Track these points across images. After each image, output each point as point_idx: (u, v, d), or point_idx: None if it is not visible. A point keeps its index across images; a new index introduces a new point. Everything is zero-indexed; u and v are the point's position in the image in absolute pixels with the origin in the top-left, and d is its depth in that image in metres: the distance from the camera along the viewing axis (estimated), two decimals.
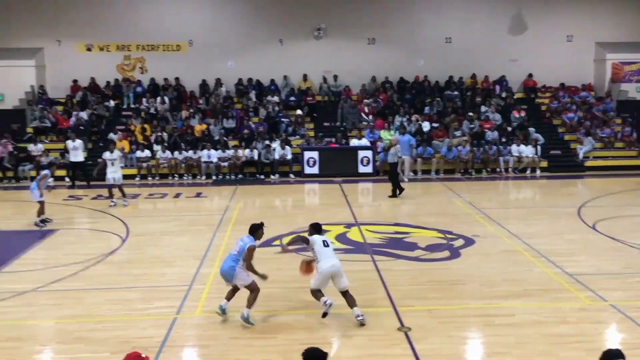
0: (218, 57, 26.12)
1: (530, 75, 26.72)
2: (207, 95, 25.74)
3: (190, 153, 22.05)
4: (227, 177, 21.83)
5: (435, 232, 13.80)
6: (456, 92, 25.90)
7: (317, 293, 8.97)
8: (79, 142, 20.65)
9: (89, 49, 26.05)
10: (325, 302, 8.84)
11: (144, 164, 21.82)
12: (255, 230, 9.02)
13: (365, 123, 24.15)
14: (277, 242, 12.65)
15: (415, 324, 8.63)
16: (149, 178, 21.73)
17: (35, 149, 22.02)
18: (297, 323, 8.81)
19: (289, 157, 22.05)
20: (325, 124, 24.69)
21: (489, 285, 10.29)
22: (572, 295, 9.80)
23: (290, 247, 9.45)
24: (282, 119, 24.27)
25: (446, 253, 12.26)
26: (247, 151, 22.19)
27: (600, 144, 23.54)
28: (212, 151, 22.00)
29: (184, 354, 8.20)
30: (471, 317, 9.00)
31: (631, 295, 9.81)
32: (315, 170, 21.87)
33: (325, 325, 8.78)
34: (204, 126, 23.58)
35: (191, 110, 24.41)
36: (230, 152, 22.14)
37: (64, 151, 21.35)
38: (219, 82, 26.12)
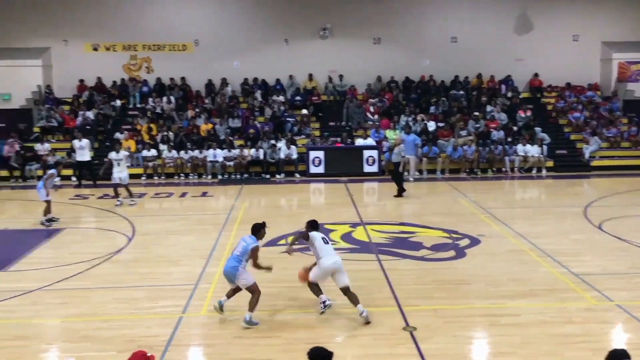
0: (224, 56, 26.17)
1: (536, 75, 26.66)
2: (213, 94, 25.79)
3: (196, 152, 22.10)
4: (233, 176, 21.86)
5: (441, 232, 13.79)
6: (462, 92, 25.86)
7: (315, 287, 9.04)
8: (85, 142, 20.72)
9: (95, 49, 26.15)
10: (324, 302, 8.94)
11: (150, 164, 21.88)
12: (258, 230, 9.05)
13: (370, 122, 24.14)
14: (282, 242, 12.67)
15: (421, 323, 8.63)
16: (155, 177, 21.80)
17: (42, 148, 22.11)
18: (302, 322, 8.82)
19: (295, 156, 22.06)
20: (331, 123, 24.69)
21: (494, 285, 10.28)
22: (578, 295, 9.78)
23: (295, 247, 9.45)
24: (288, 119, 24.29)
25: (452, 253, 12.25)
26: (252, 151, 22.23)
27: (606, 143, 23.46)
28: (218, 151, 22.04)
29: (190, 352, 8.22)
30: (477, 317, 8.99)
31: (637, 295, 9.79)
32: (320, 169, 21.88)
33: (331, 324, 8.79)
34: (210, 126, 23.62)
35: (197, 110, 24.46)
36: (235, 152, 22.17)
37: (71, 150, 21.43)
38: (224, 82, 26.16)
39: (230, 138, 22.92)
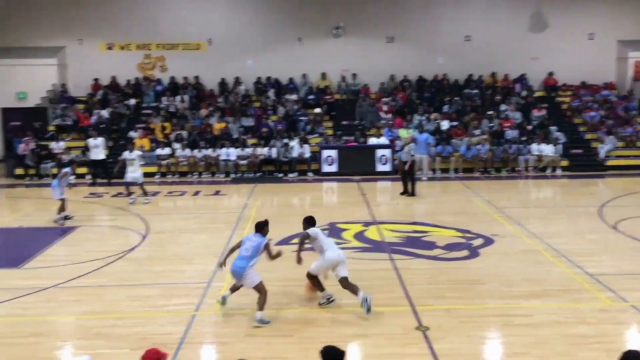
0: (237, 55, 26.23)
1: (550, 74, 26.47)
2: (226, 93, 25.85)
3: (209, 151, 22.18)
4: (246, 175, 21.91)
5: (454, 231, 13.73)
6: (476, 91, 25.74)
7: (315, 280, 9.07)
8: (100, 140, 20.86)
9: (110, 48, 26.31)
10: (328, 298, 9.09)
11: (164, 162, 21.99)
12: (262, 227, 9.08)
13: (383, 121, 24.10)
14: (295, 240, 12.63)
15: (434, 323, 8.60)
16: (169, 176, 21.90)
17: (57, 146, 22.30)
18: (314, 321, 8.82)
19: (307, 155, 22.07)
20: (344, 122, 24.66)
21: (508, 285, 10.22)
22: (592, 295, 9.70)
23: (301, 250, 9.31)
24: (301, 118, 24.30)
25: (465, 252, 12.19)
26: (265, 149, 22.26)
27: (622, 143, 23.23)
28: (231, 149, 22.09)
29: (203, 350, 8.25)
30: (490, 317, 8.94)
31: None
32: (333, 168, 21.88)
33: (343, 323, 8.78)
34: (223, 124, 23.69)
35: (210, 109, 24.54)
36: (248, 151, 22.22)
37: (85, 149, 21.59)
38: (237, 81, 26.23)
39: (243, 137, 22.97)
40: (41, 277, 10.88)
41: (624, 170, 21.92)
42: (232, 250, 9.29)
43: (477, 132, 23.00)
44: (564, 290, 9.95)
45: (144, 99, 25.75)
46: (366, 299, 8.81)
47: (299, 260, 9.14)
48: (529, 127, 23.50)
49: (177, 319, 8.93)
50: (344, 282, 9.04)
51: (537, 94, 26.12)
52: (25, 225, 15.21)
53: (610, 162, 22.56)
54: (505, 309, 9.21)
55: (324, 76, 26.51)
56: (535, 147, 22.22)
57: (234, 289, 9.09)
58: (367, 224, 14.47)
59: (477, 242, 12.86)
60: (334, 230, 13.81)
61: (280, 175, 21.90)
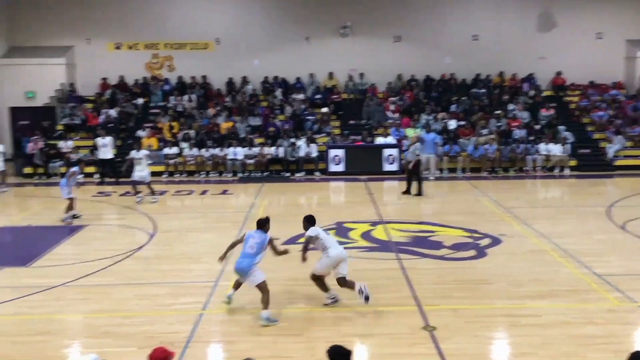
0: (244, 55, 26.26)
1: (559, 73, 26.36)
2: (233, 93, 25.89)
3: (216, 150, 22.22)
4: (253, 174, 21.94)
5: (461, 231, 13.70)
6: (483, 90, 25.67)
7: (321, 283, 9.13)
8: (108, 139, 20.94)
9: (118, 48, 26.41)
10: (333, 298, 9.14)
11: (172, 161, 22.04)
12: (263, 224, 9.16)
13: (391, 121, 24.08)
14: (302, 240, 12.63)
15: (441, 323, 8.59)
16: (176, 175, 21.95)
17: (65, 145, 22.40)
18: (321, 320, 8.84)
19: (315, 154, 22.08)
20: (351, 121, 24.65)
21: (515, 285, 10.19)
22: (600, 296, 9.66)
23: (307, 252, 9.28)
24: (308, 117, 24.31)
25: (472, 252, 12.17)
26: (272, 149, 22.29)
27: (630, 142, 23.12)
28: (238, 149, 22.13)
29: (210, 349, 8.28)
30: (497, 317, 8.93)
31: None
32: (340, 168, 21.87)
33: (350, 322, 8.79)
34: (230, 124, 23.73)
35: (218, 108, 24.59)
36: (256, 150, 22.25)
37: (94, 148, 21.67)
38: (245, 80, 26.27)
39: (251, 136, 23.00)
40: (49, 276, 10.94)
41: (633, 170, 21.80)
42: (233, 245, 9.29)
43: (484, 131, 22.94)
44: (572, 290, 9.91)
45: (151, 99, 25.82)
46: (361, 290, 8.93)
47: (304, 259, 9.16)
48: (537, 127, 23.42)
49: (185, 317, 8.96)
50: (342, 281, 9.12)
51: (545, 94, 26.02)
52: (33, 224, 15.29)
53: (618, 162, 22.45)
54: (513, 309, 9.19)
55: (331, 76, 26.51)
56: (543, 147, 22.15)
57: (237, 285, 9.13)
58: (374, 224, 14.47)
59: (485, 242, 12.83)
60: (341, 230, 13.82)
61: (288, 174, 21.92)
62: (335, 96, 25.68)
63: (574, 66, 25.98)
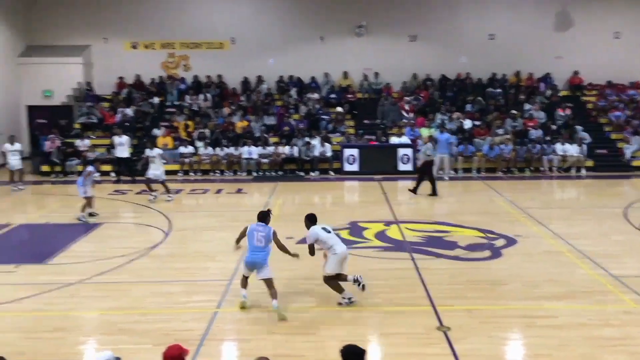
0: (259, 54, 26.33)
1: (576, 73, 26.15)
2: (248, 92, 25.97)
3: (231, 149, 22.29)
4: (268, 173, 21.99)
5: (476, 231, 13.64)
6: (499, 90, 25.53)
7: (335, 283, 9.19)
8: (125, 138, 21.07)
9: (134, 47, 26.59)
10: (349, 298, 9.16)
11: (187, 160, 22.15)
12: (265, 217, 9.27)
13: (405, 121, 24.02)
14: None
15: (455, 323, 8.56)
16: (191, 174, 22.05)
17: (82, 144, 22.58)
18: (335, 319, 8.84)
19: (329, 154, 22.08)
20: (366, 121, 24.62)
21: (530, 285, 10.13)
22: (616, 297, 9.58)
23: (313, 249, 9.45)
24: (323, 116, 24.32)
25: (487, 253, 12.11)
26: (287, 148, 22.32)
27: None
28: (253, 148, 22.18)
29: (224, 347, 8.31)
30: (512, 318, 8.87)
31: None
32: (355, 167, 21.85)
33: (364, 322, 8.79)
34: (245, 123, 23.79)
35: (233, 107, 24.67)
36: (270, 149, 22.30)
37: (110, 146, 21.83)
38: (260, 79, 26.33)
39: (265, 135, 23.05)
40: (66, 273, 11.05)
41: None
42: (241, 237, 9.41)
43: (500, 131, 22.81)
44: (588, 291, 9.84)
45: (167, 98, 25.96)
46: (355, 278, 9.20)
47: (312, 254, 9.39)
48: (554, 127, 23.25)
49: (199, 315, 9.00)
50: (339, 277, 9.28)
51: (561, 94, 25.83)
52: (51, 221, 15.44)
53: (635, 163, 22.22)
54: (528, 310, 9.13)
55: (346, 75, 26.50)
56: (559, 147, 21.97)
57: (245, 284, 9.18)
58: (388, 223, 14.44)
59: (500, 242, 12.76)
60: (355, 229, 13.82)
61: (302, 173, 21.94)
62: (350, 95, 25.67)
63: (591, 66, 25.76)
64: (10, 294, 9.96)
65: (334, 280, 9.26)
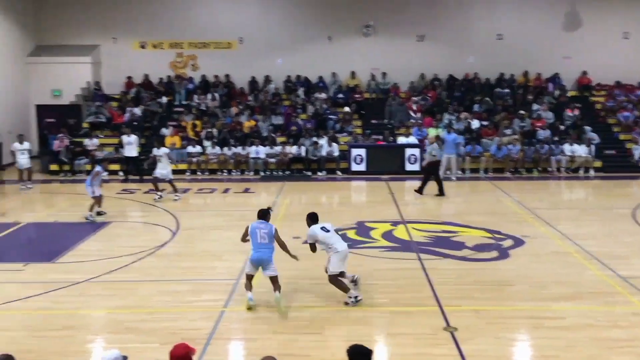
0: (267, 54, 26.35)
1: (584, 73, 26.03)
2: (256, 92, 26.00)
3: (239, 149, 22.32)
4: (275, 173, 22.01)
5: (484, 232, 13.61)
6: (507, 90, 25.45)
7: (340, 281, 9.25)
8: (133, 137, 21.13)
9: (143, 47, 26.67)
10: (356, 297, 9.17)
11: (194, 159, 22.20)
12: (265, 215, 9.41)
13: (413, 121, 23.98)
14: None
15: (462, 324, 8.54)
16: (199, 173, 22.10)
17: (90, 143, 22.66)
18: (341, 319, 8.84)
19: (336, 154, 22.08)
20: (373, 121, 24.60)
21: (538, 286, 10.09)
22: (625, 299, 9.54)
23: (314, 247, 9.56)
24: (330, 116, 24.32)
25: (494, 253, 12.08)
26: (294, 148, 22.33)
27: None
28: (260, 147, 22.21)
29: (231, 346, 8.33)
30: (520, 319, 8.85)
31: None
32: (362, 167, 21.84)
33: (371, 322, 8.79)
34: (253, 123, 23.82)
35: (240, 107, 24.70)
36: (278, 149, 22.32)
37: (119, 146, 21.91)
38: (267, 79, 26.36)
39: (273, 135, 23.07)
40: (74, 272, 11.09)
41: None
42: (244, 236, 9.47)
43: (508, 131, 22.73)
44: (596, 293, 9.80)
45: (175, 97, 26.03)
46: (354, 278, 9.50)
47: (314, 250, 9.51)
48: (562, 127, 23.15)
49: (206, 314, 9.02)
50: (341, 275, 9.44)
51: (570, 94, 25.72)
52: (59, 220, 15.51)
53: None
54: (535, 311, 9.09)
55: (353, 75, 26.48)
56: (567, 148, 21.88)
57: (250, 286, 9.19)
58: (395, 223, 14.43)
59: (507, 243, 12.73)
60: (362, 229, 13.82)
61: (309, 173, 21.95)
62: (357, 95, 25.66)
63: (599, 66, 25.63)
64: (18, 292, 10.01)
65: (339, 280, 9.27)
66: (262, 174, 21.93)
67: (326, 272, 9.38)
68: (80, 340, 8.37)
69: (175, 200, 17.33)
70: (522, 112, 23.69)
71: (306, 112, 24.77)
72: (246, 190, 19.30)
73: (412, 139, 22.51)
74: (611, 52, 25.62)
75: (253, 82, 26.49)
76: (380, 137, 22.93)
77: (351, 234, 13.31)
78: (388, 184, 19.96)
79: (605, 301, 9.45)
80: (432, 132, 22.30)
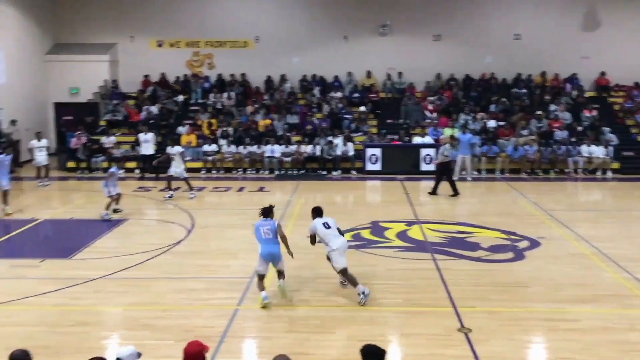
0: (283, 53, 26.38)
1: (602, 74, 25.76)
2: (271, 91, 26.04)
3: (254, 148, 22.37)
4: (290, 172, 22.03)
5: (499, 233, 13.53)
6: (524, 90, 25.27)
7: (349, 275, 9.37)
8: (150, 135, 21.25)
9: (160, 45, 26.82)
10: (364, 292, 9.25)
11: (210, 158, 22.29)
12: (268, 212, 9.54)
13: (428, 121, 23.89)
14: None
15: (476, 325, 8.50)
16: (214, 171, 22.18)
17: (107, 141, 22.81)
18: (355, 319, 8.83)
19: (351, 153, 22.05)
20: (389, 121, 24.54)
21: (554, 288, 10.02)
22: None
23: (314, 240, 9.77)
24: (345, 116, 24.29)
25: (510, 254, 12.01)
26: (309, 147, 22.34)
27: None
28: (276, 146, 22.24)
29: (244, 344, 8.36)
30: (535, 321, 8.78)
31: None
32: (377, 167, 21.79)
33: (384, 322, 8.77)
34: (268, 121, 23.86)
35: (256, 106, 24.75)
36: (293, 148, 22.34)
37: (135, 144, 22.04)
38: (283, 78, 26.39)
39: (288, 134, 23.10)
40: (90, 268, 11.19)
41: None
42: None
43: (525, 132, 22.57)
44: (613, 295, 9.70)
45: (191, 96, 26.15)
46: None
47: (313, 243, 9.76)
48: (579, 128, 22.95)
49: (221, 312, 9.06)
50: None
51: (588, 94, 25.46)
52: (76, 217, 15.64)
53: None
54: (551, 313, 9.03)
55: (369, 74, 26.43)
56: (585, 149, 21.68)
57: (262, 286, 9.23)
58: (410, 223, 14.39)
59: (523, 244, 12.64)
60: (376, 229, 13.79)
61: (324, 172, 21.94)
62: (373, 95, 25.60)
63: (618, 66, 25.36)
64: (35, 288, 10.12)
65: (349, 273, 9.39)
66: (277, 172, 21.96)
67: (336, 271, 9.50)
68: (95, 336, 8.44)
69: (191, 198, 17.41)
70: (539, 112, 23.51)
71: (321, 111, 24.77)
72: (261, 189, 19.34)
73: (428, 139, 22.42)
74: (630, 52, 25.33)
75: (269, 81, 26.53)
76: (396, 136, 22.86)
77: (366, 234, 13.29)
78: (403, 183, 19.90)
79: (622, 304, 9.36)
80: (449, 132, 22.21)
